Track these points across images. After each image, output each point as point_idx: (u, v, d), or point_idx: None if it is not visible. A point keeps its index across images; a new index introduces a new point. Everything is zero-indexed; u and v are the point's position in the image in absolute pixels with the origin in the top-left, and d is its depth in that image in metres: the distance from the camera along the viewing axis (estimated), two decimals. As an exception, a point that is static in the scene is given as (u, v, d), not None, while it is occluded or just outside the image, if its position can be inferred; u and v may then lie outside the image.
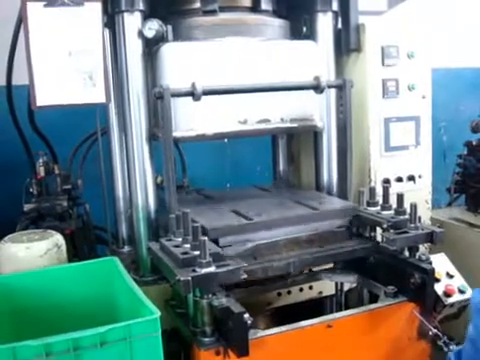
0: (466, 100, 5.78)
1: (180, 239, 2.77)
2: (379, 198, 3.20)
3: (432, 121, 3.80)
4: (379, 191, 3.25)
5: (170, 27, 3.14)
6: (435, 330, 2.89)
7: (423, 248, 3.23)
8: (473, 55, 5.95)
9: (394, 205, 3.09)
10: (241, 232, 2.94)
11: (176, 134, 3.06)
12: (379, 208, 3.18)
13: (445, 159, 5.25)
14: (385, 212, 3.12)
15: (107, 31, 3.23)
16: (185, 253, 2.63)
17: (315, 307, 3.41)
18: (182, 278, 2.47)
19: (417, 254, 3.02)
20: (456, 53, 5.77)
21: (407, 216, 3.02)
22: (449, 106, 5.61)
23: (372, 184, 3.42)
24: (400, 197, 3.09)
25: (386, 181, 3.36)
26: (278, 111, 3.32)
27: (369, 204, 3.24)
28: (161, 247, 2.87)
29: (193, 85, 2.96)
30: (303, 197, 3.43)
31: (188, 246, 2.67)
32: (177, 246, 2.73)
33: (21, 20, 2.92)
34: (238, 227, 2.94)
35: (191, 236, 2.67)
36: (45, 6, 2.87)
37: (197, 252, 2.58)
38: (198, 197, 3.69)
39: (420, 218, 3.04)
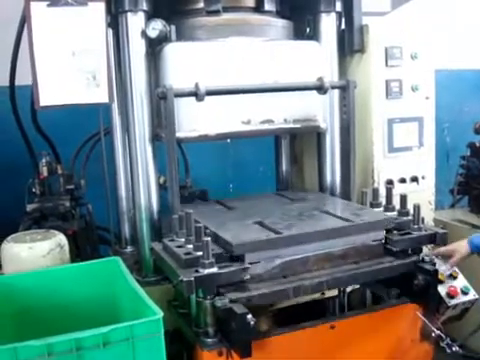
0: (469, 101, 5.77)
1: (183, 239, 2.77)
2: (382, 199, 3.19)
3: (435, 122, 3.79)
4: (382, 192, 3.25)
5: (173, 27, 3.14)
6: (438, 331, 2.88)
7: (426, 249, 3.22)
8: (476, 56, 5.94)
9: (397, 206, 3.08)
10: (269, 247, 2.69)
11: (179, 134, 3.06)
12: (382, 209, 3.18)
13: (448, 160, 5.24)
14: (388, 213, 3.11)
15: (110, 31, 3.22)
16: (188, 253, 2.63)
17: (318, 308, 3.40)
18: (185, 279, 2.47)
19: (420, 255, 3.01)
20: (459, 54, 5.76)
21: (410, 217, 3.02)
22: (453, 107, 5.60)
23: (375, 185, 3.40)
24: (403, 198, 3.08)
25: (389, 182, 3.35)
26: (281, 112, 3.32)
27: (372, 205, 3.23)
28: (164, 247, 2.86)
29: (196, 85, 2.96)
30: (331, 206, 3.26)
31: (191, 246, 2.67)
32: (180, 246, 2.73)
33: (24, 20, 2.92)
34: (266, 242, 2.69)
35: (194, 236, 2.67)
36: (48, 6, 2.87)
37: (200, 253, 2.58)
38: (219, 208, 3.41)
39: (423, 219, 3.03)
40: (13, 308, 2.74)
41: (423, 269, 2.87)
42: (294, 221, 2.96)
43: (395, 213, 3.10)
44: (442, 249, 3.03)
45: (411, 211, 3.03)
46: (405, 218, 3.04)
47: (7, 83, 3.39)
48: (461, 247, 2.96)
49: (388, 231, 3.17)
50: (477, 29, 5.92)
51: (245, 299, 2.51)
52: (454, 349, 2.83)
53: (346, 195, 3.54)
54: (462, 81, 5.92)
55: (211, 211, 3.28)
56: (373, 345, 2.85)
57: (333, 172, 3.66)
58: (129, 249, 3.52)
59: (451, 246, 3.01)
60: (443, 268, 3.01)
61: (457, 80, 5.79)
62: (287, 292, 2.65)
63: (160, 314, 2.27)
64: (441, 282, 3.01)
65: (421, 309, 2.91)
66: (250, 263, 2.63)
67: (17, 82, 3.38)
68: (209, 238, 2.57)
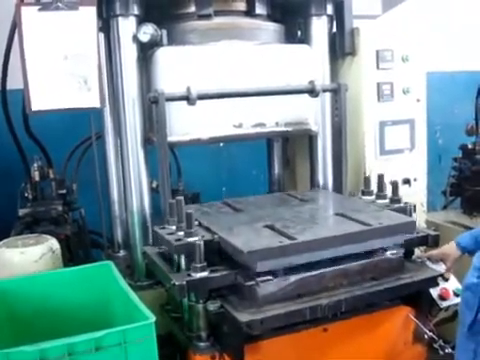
0: (461, 103, 5.78)
1: (174, 227, 2.75)
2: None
3: (427, 124, 3.80)
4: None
5: (165, 31, 3.15)
6: (431, 333, 2.89)
7: (418, 251, 3.23)
8: (468, 59, 5.96)
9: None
10: (283, 255, 2.50)
11: (171, 139, 3.06)
12: (374, 197, 3.19)
13: (440, 162, 5.25)
14: (380, 201, 3.12)
15: (102, 35, 3.23)
16: (179, 240, 2.62)
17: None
18: (177, 282, 2.47)
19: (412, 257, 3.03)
20: (451, 57, 5.78)
21: (402, 204, 3.04)
22: (444, 109, 5.61)
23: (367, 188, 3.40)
24: (395, 184, 3.10)
25: (380, 175, 3.33)
26: (273, 115, 3.33)
27: (364, 193, 3.25)
28: (155, 235, 2.85)
29: (188, 89, 2.97)
30: (345, 208, 3.05)
31: (182, 233, 2.66)
32: (171, 234, 2.72)
33: (15, 24, 2.91)
34: (279, 249, 2.49)
35: (185, 223, 2.65)
36: (39, 10, 2.87)
37: (191, 239, 2.58)
38: (225, 209, 3.23)
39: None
40: (5, 313, 2.73)
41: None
42: (307, 225, 2.80)
43: (387, 200, 3.13)
44: (434, 252, 3.04)
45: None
46: (397, 205, 3.06)
47: (-2, 88, 3.39)
48: (451, 250, 2.96)
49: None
50: (468, 31, 5.94)
51: (259, 321, 2.41)
52: (447, 351, 2.83)
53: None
54: (454, 83, 5.93)
55: (217, 213, 3.15)
56: (366, 348, 2.85)
57: (325, 175, 3.67)
58: (122, 253, 3.52)
59: (442, 249, 3.02)
60: (435, 268, 3.02)
61: (449, 82, 5.81)
62: (303, 313, 2.52)
63: (152, 318, 2.27)
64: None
65: (413, 311, 2.92)
66: (262, 281, 2.52)
67: (9, 86, 3.37)
68: (202, 242, 2.56)
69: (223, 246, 2.65)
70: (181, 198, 2.76)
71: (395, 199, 3.11)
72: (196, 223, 2.78)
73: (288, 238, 2.57)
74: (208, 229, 2.77)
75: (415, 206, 3.16)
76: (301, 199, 3.33)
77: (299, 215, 2.99)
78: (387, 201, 3.14)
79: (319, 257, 2.62)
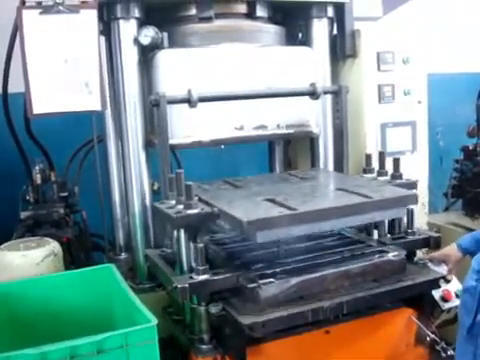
0: (462, 105, 5.77)
1: (173, 201, 2.74)
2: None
3: (429, 126, 3.80)
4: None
5: (166, 34, 3.16)
6: (433, 335, 2.88)
7: (420, 253, 3.23)
8: (469, 60, 5.96)
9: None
10: (283, 225, 2.46)
11: (172, 141, 3.06)
12: (375, 174, 3.19)
13: (442, 163, 5.24)
14: (382, 178, 3.13)
15: (103, 38, 3.23)
16: (179, 212, 2.60)
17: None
18: (179, 285, 2.47)
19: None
20: (452, 58, 5.78)
21: (404, 180, 3.05)
22: (445, 111, 5.61)
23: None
24: (396, 161, 3.11)
25: (381, 152, 3.32)
26: (274, 117, 3.33)
27: (365, 171, 3.25)
28: (154, 210, 2.85)
29: (189, 92, 2.97)
30: (347, 184, 3.00)
31: (181, 207, 2.64)
32: (170, 208, 2.70)
33: (17, 28, 2.92)
34: (279, 219, 2.46)
35: (184, 196, 2.64)
36: (41, 14, 2.88)
37: (191, 211, 2.58)
38: (225, 186, 3.18)
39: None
40: (7, 316, 2.73)
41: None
42: (308, 198, 2.75)
43: (388, 177, 3.13)
44: (435, 254, 3.04)
45: (405, 214, 3.04)
46: (398, 181, 3.07)
47: (0, 91, 3.39)
48: (453, 252, 2.96)
49: (381, 234, 3.19)
50: (469, 33, 5.94)
51: (261, 324, 2.41)
52: (449, 353, 2.82)
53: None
54: (455, 85, 5.93)
55: (217, 189, 3.09)
56: (368, 350, 2.85)
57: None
58: (123, 256, 3.52)
59: (443, 251, 3.01)
60: (437, 270, 3.01)
61: (450, 84, 5.81)
62: (305, 315, 2.51)
63: (154, 321, 2.27)
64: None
65: (416, 313, 2.91)
66: (263, 283, 2.50)
67: (10, 89, 3.38)
68: (202, 244, 2.57)
69: (222, 219, 2.62)
70: (181, 171, 2.73)
71: (397, 175, 3.10)
72: (196, 198, 2.73)
73: (288, 209, 2.53)
74: (207, 203, 2.73)
75: (417, 181, 3.14)
76: (302, 177, 3.28)
77: (300, 190, 2.95)
78: (388, 178, 3.13)
79: (319, 229, 2.62)
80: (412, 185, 3.06)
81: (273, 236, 2.49)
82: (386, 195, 2.76)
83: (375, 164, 3.47)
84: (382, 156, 3.20)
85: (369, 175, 3.23)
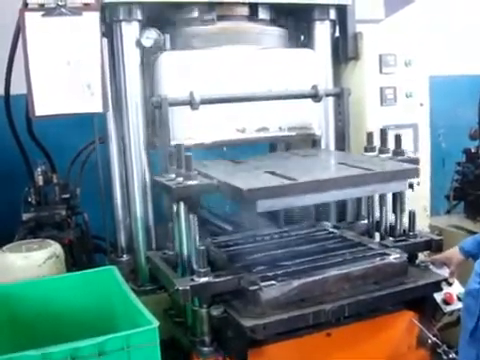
0: (464, 107, 5.77)
1: (173, 175, 2.73)
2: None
3: (431, 128, 3.80)
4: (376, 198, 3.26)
5: (168, 36, 3.16)
6: (434, 338, 2.88)
7: (422, 256, 3.22)
8: (471, 63, 5.96)
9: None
10: (283, 194, 2.45)
11: (174, 143, 3.05)
12: (377, 152, 3.19)
13: (444, 166, 5.24)
14: (383, 155, 3.12)
15: (105, 40, 3.23)
16: (179, 184, 2.60)
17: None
18: (181, 287, 2.47)
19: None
20: (454, 61, 5.78)
21: (405, 156, 3.05)
22: (447, 113, 5.60)
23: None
24: (398, 138, 3.10)
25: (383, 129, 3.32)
26: (276, 119, 3.33)
27: (367, 149, 3.24)
28: (154, 183, 2.87)
29: (191, 94, 2.97)
30: (350, 159, 3.01)
31: (181, 179, 2.64)
32: (170, 180, 2.70)
33: (19, 30, 2.93)
34: (279, 188, 2.45)
35: (184, 167, 2.64)
36: (43, 16, 2.88)
37: (191, 182, 2.57)
38: (226, 163, 3.17)
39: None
40: (9, 318, 2.73)
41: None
42: (309, 170, 2.75)
43: (390, 154, 3.12)
44: (437, 257, 3.04)
45: (406, 217, 3.04)
46: (400, 157, 3.06)
47: (2, 92, 3.40)
48: (455, 255, 2.96)
49: (382, 237, 3.19)
50: (471, 35, 5.94)
51: (262, 326, 2.42)
52: (451, 356, 2.82)
53: (341, 203, 3.54)
54: (457, 87, 5.93)
55: (218, 165, 3.08)
56: (369, 352, 2.84)
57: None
58: (125, 258, 3.51)
59: (445, 254, 3.02)
60: (439, 273, 3.01)
61: (452, 86, 5.80)
62: (307, 317, 2.52)
63: (156, 323, 2.27)
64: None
65: (417, 316, 2.91)
66: (265, 286, 2.49)
67: (12, 91, 3.38)
68: (204, 247, 2.57)
69: (222, 190, 2.60)
70: (182, 143, 2.73)
71: (398, 152, 3.09)
72: (196, 172, 2.71)
73: (288, 180, 2.52)
74: (207, 176, 2.73)
75: (418, 158, 3.12)
76: (303, 155, 3.29)
77: (300, 165, 2.97)
78: (390, 155, 3.12)
79: (320, 200, 2.62)
80: (414, 161, 3.02)
81: (273, 206, 2.47)
82: (387, 168, 2.78)
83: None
84: (384, 133, 3.19)
85: (371, 153, 3.21)
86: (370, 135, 3.26)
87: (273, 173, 2.67)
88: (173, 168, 2.75)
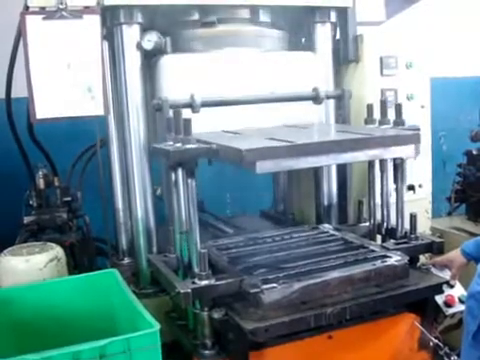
0: (466, 109, 5.78)
1: (171, 142, 2.71)
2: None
3: (432, 130, 3.79)
4: (378, 201, 3.25)
5: (169, 39, 3.16)
6: (436, 341, 2.88)
7: (423, 258, 3.22)
8: (472, 65, 5.97)
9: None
10: (282, 156, 2.44)
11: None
12: (377, 124, 3.17)
13: (445, 168, 5.24)
14: (384, 126, 3.11)
15: (106, 43, 3.23)
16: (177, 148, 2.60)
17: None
18: (182, 290, 2.47)
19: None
20: (455, 63, 5.79)
21: (406, 126, 3.04)
22: (449, 115, 5.61)
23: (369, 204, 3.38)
24: (398, 107, 3.10)
25: (383, 100, 3.30)
26: (277, 122, 3.32)
27: (367, 122, 3.23)
28: (152, 150, 2.88)
29: (192, 97, 2.97)
30: (351, 129, 3.07)
31: (179, 144, 2.62)
32: (169, 146, 2.69)
33: (20, 33, 2.93)
34: (279, 149, 2.44)
35: (182, 132, 2.63)
36: (44, 19, 2.88)
37: (189, 146, 2.57)
38: (224, 133, 3.13)
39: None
40: (10, 321, 2.74)
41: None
42: (309, 135, 2.78)
43: (391, 125, 3.12)
44: (438, 259, 3.04)
45: (407, 220, 3.04)
46: (401, 127, 3.05)
47: (3, 96, 3.40)
48: (457, 257, 2.96)
49: (384, 239, 3.19)
50: (473, 37, 5.95)
51: (264, 329, 2.42)
52: (452, 358, 2.82)
53: (343, 203, 3.54)
54: (458, 89, 5.93)
55: (217, 135, 3.02)
56: (371, 355, 2.85)
57: (329, 181, 3.65)
58: (126, 261, 3.50)
59: (447, 256, 3.02)
60: (440, 276, 3.01)
61: (453, 88, 5.81)
62: (308, 320, 2.53)
63: (157, 327, 2.27)
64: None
65: (419, 318, 2.91)
66: (266, 289, 2.48)
67: (14, 94, 3.39)
68: (205, 250, 2.57)
69: (221, 154, 2.58)
70: (180, 109, 2.70)
71: (399, 121, 3.09)
72: (194, 138, 2.69)
73: (288, 143, 2.51)
74: (206, 142, 2.70)
75: (419, 129, 3.07)
76: (303, 127, 3.25)
77: (302, 133, 2.96)
78: (391, 126, 3.12)
79: (319, 163, 2.63)
80: (415, 130, 2.99)
81: (273, 167, 2.46)
82: (388, 133, 2.80)
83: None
84: (384, 105, 3.17)
85: (371, 125, 3.21)
86: (370, 107, 3.23)
87: (273, 138, 2.64)
88: (171, 135, 2.73)
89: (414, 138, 2.77)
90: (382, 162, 3.20)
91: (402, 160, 3.12)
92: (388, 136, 2.77)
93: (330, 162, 2.63)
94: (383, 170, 3.22)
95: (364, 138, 2.66)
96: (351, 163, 3.47)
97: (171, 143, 2.69)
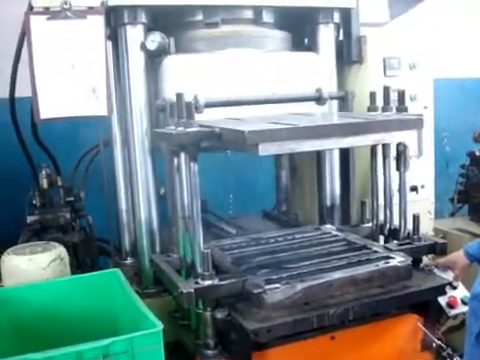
0: (469, 110, 5.77)
1: (173, 126, 2.71)
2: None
3: (435, 131, 3.79)
4: (381, 201, 3.25)
5: (172, 39, 3.16)
6: (439, 342, 2.87)
7: (426, 259, 3.22)
8: (476, 65, 5.96)
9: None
10: (285, 138, 2.42)
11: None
12: (380, 111, 3.16)
13: (448, 169, 5.24)
14: (387, 113, 3.10)
15: (110, 44, 3.23)
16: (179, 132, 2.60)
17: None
18: (185, 290, 2.47)
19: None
20: (459, 63, 5.78)
21: (411, 117, 2.95)
22: (452, 116, 5.60)
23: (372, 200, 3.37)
24: (401, 94, 3.09)
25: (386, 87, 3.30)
26: (280, 123, 3.32)
27: (370, 109, 3.23)
28: (154, 135, 2.89)
29: (195, 97, 2.97)
30: (354, 114, 3.10)
31: (181, 128, 2.62)
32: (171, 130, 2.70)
33: (24, 33, 2.94)
34: (281, 131, 2.43)
35: (185, 116, 2.63)
36: (48, 19, 2.89)
37: (191, 129, 2.57)
38: (227, 120, 3.09)
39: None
40: (13, 320, 2.74)
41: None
42: (312, 122, 2.74)
43: (394, 111, 3.11)
44: (441, 260, 3.03)
45: (410, 221, 3.04)
46: (405, 112, 3.05)
47: (7, 95, 3.41)
48: (460, 258, 2.96)
49: (386, 240, 3.19)
50: (476, 38, 5.95)
51: (267, 329, 2.42)
52: (455, 359, 2.82)
53: (345, 205, 3.54)
54: (461, 89, 5.93)
55: (220, 120, 2.99)
56: (374, 356, 2.84)
57: (332, 182, 3.65)
58: (129, 261, 3.51)
59: (450, 257, 3.01)
60: (443, 277, 3.01)
61: (456, 89, 5.81)
62: (311, 321, 2.52)
63: (160, 326, 2.27)
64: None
65: (421, 319, 2.91)
66: (268, 289, 2.47)
67: (17, 94, 3.39)
68: (209, 250, 2.57)
69: (224, 136, 2.57)
70: (182, 93, 2.69)
71: (401, 108, 3.08)
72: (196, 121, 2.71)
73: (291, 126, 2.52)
74: (209, 126, 2.71)
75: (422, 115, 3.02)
76: (306, 114, 3.24)
77: (305, 118, 2.95)
78: (394, 112, 3.11)
79: (322, 146, 2.61)
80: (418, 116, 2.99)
81: (276, 150, 2.44)
82: (392, 117, 2.81)
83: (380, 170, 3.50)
84: (387, 92, 3.16)
85: (373, 112, 3.19)
86: (373, 95, 3.22)
87: (276, 123, 2.63)
88: (173, 120, 2.73)
89: (417, 123, 2.77)
90: (385, 162, 3.20)
91: (405, 147, 3.11)
92: (391, 120, 2.78)
93: (333, 146, 2.64)
94: (386, 168, 3.21)
95: (367, 122, 2.69)
96: (353, 164, 3.47)
97: (173, 127, 2.69)
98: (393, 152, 3.18)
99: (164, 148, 2.94)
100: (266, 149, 2.38)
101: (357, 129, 2.62)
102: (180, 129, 2.62)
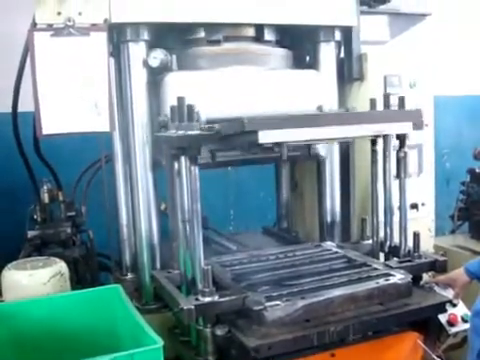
0: (469, 127, 5.80)
1: (174, 130, 2.73)
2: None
3: (435, 148, 3.81)
4: (381, 218, 3.26)
5: (175, 56, 3.18)
6: (439, 359, 2.87)
7: (427, 276, 3.22)
8: (475, 83, 5.99)
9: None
10: (285, 126, 2.48)
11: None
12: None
13: (448, 186, 5.25)
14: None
15: (112, 60, 3.26)
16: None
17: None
18: (185, 307, 2.47)
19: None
20: (458, 81, 5.81)
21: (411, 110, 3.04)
22: (452, 133, 5.63)
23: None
24: (401, 99, 3.09)
25: (386, 95, 3.31)
26: (281, 139, 3.33)
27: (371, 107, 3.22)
28: (155, 139, 2.91)
29: (197, 113, 2.98)
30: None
31: (182, 132, 2.63)
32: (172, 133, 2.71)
33: (27, 49, 2.96)
34: (282, 120, 2.51)
35: (186, 118, 2.64)
36: (52, 36, 2.91)
37: (192, 132, 2.57)
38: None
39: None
40: (13, 335, 2.74)
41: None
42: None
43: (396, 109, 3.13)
44: (442, 278, 3.04)
45: (410, 239, 3.05)
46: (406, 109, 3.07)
47: (9, 109, 3.42)
48: (460, 276, 2.96)
49: (387, 257, 3.19)
50: (476, 55, 5.98)
51: (267, 346, 2.42)
52: (455, 377, 2.82)
53: (346, 221, 3.54)
54: (461, 107, 5.96)
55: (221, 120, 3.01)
56: (374, 373, 2.84)
57: (333, 198, 3.66)
58: (130, 276, 3.50)
59: (450, 275, 3.02)
60: (443, 294, 3.01)
61: (456, 106, 5.84)
62: (311, 338, 2.52)
63: (160, 343, 2.27)
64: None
65: (422, 337, 2.90)
66: (269, 306, 2.47)
67: (20, 108, 3.41)
68: (209, 267, 2.58)
69: (224, 129, 2.60)
70: (184, 97, 2.71)
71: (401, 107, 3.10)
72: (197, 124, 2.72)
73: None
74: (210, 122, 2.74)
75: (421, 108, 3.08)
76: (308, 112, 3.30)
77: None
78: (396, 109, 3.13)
79: (323, 135, 2.62)
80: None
81: (275, 138, 2.47)
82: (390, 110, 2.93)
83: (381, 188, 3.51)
84: (387, 99, 3.18)
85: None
86: (373, 102, 3.21)
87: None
88: (174, 124, 2.75)
89: (416, 114, 2.85)
90: (385, 167, 3.23)
91: (405, 154, 3.14)
92: (390, 111, 2.92)
93: (333, 135, 2.62)
94: (386, 174, 3.24)
95: (366, 112, 2.85)
96: (354, 179, 3.47)
97: (174, 131, 2.71)
98: (393, 160, 3.21)
99: (165, 153, 2.96)
100: (266, 137, 2.42)
101: (357, 119, 2.70)
102: (181, 132, 2.64)
